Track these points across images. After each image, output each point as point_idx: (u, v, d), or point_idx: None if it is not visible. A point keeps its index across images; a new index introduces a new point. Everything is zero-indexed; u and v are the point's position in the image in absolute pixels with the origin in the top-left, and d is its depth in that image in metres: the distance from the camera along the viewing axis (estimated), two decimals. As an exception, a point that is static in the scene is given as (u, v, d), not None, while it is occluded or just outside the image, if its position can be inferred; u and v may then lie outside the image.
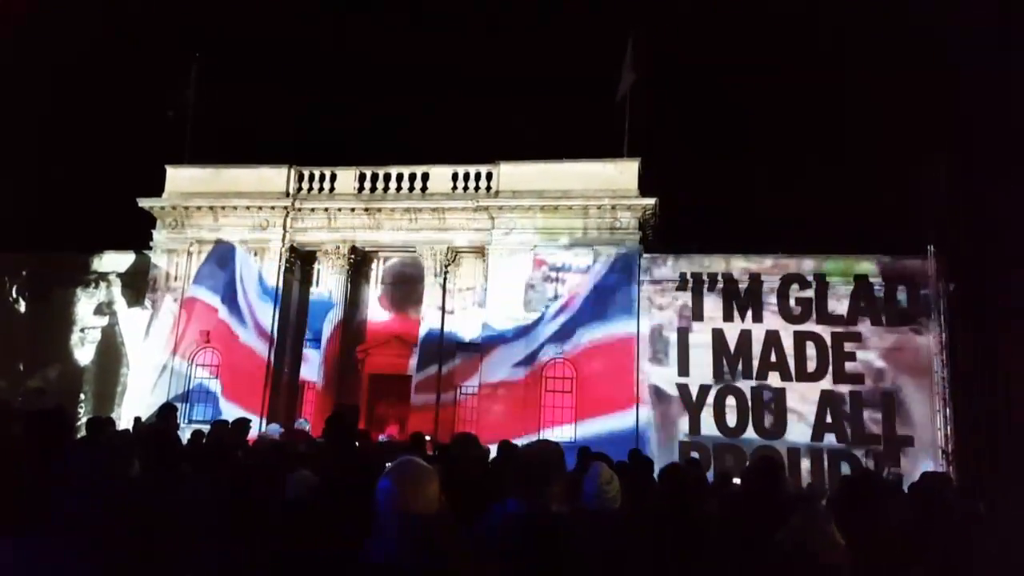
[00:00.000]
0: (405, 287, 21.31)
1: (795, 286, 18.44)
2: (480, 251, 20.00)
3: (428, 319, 19.96)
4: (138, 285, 21.85)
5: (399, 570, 2.19)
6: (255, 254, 20.74)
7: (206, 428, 10.03)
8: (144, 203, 21.33)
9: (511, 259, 19.40)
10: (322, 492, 3.98)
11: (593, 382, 18.40)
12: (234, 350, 19.88)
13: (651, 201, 19.00)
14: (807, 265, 18.58)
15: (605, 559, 3.24)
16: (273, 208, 20.75)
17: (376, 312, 21.52)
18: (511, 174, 19.83)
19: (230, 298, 19.99)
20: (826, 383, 17.74)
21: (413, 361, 20.11)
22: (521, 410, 18.40)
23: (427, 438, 10.12)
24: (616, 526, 3.49)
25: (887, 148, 27.56)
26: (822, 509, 3.62)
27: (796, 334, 18.11)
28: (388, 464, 2.52)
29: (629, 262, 18.88)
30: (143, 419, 14.26)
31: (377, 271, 21.80)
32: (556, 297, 19.10)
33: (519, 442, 14.69)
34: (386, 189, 20.52)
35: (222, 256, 20.47)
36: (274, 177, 21.05)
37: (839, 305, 18.12)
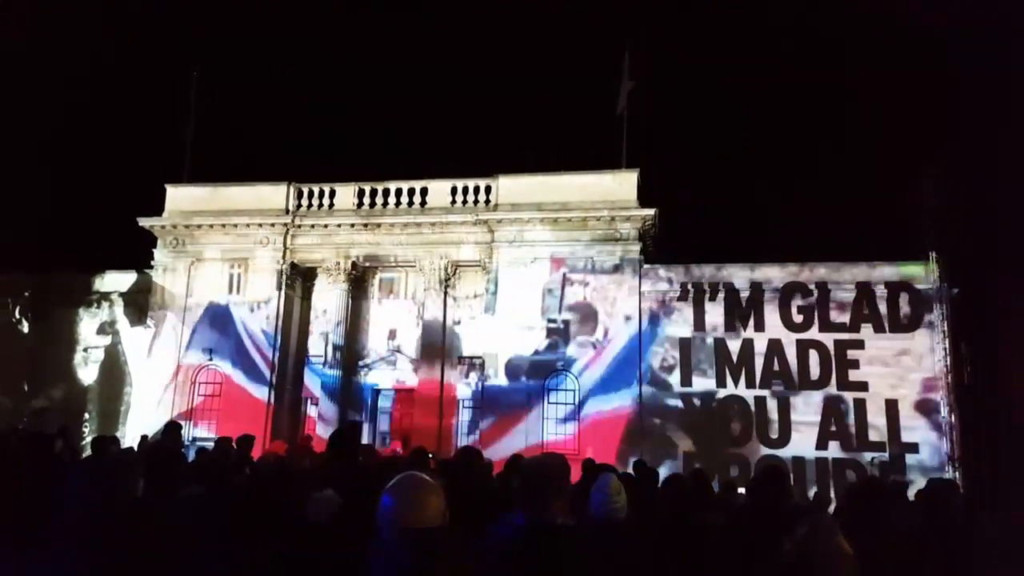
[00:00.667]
0: (408, 299, 21.28)
1: (797, 294, 18.45)
2: (481, 265, 20.00)
3: (430, 333, 19.93)
4: (140, 304, 21.88)
5: None
6: (244, 271, 20.81)
7: (210, 445, 10.02)
8: (144, 222, 21.40)
9: (511, 272, 19.40)
10: (346, 514, 3.90)
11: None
12: (245, 372, 20.05)
13: (650, 211, 19.04)
14: (808, 273, 18.59)
15: (611, 570, 3.23)
16: (273, 225, 20.79)
17: (378, 326, 21.49)
18: (510, 187, 19.88)
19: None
20: (830, 391, 17.72)
21: (416, 376, 20.12)
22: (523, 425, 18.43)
23: (430, 455, 10.08)
24: (623, 537, 3.48)
25: (886, 152, 27.65)
26: (828, 518, 3.59)
27: (799, 342, 18.10)
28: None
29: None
30: (148, 437, 14.26)
31: (378, 286, 21.78)
32: (560, 312, 19.08)
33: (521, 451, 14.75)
34: (385, 204, 20.56)
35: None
36: (273, 194, 21.11)
37: (841, 312, 18.11)
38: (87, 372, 22.24)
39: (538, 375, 18.85)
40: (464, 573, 2.37)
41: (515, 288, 19.26)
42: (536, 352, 18.98)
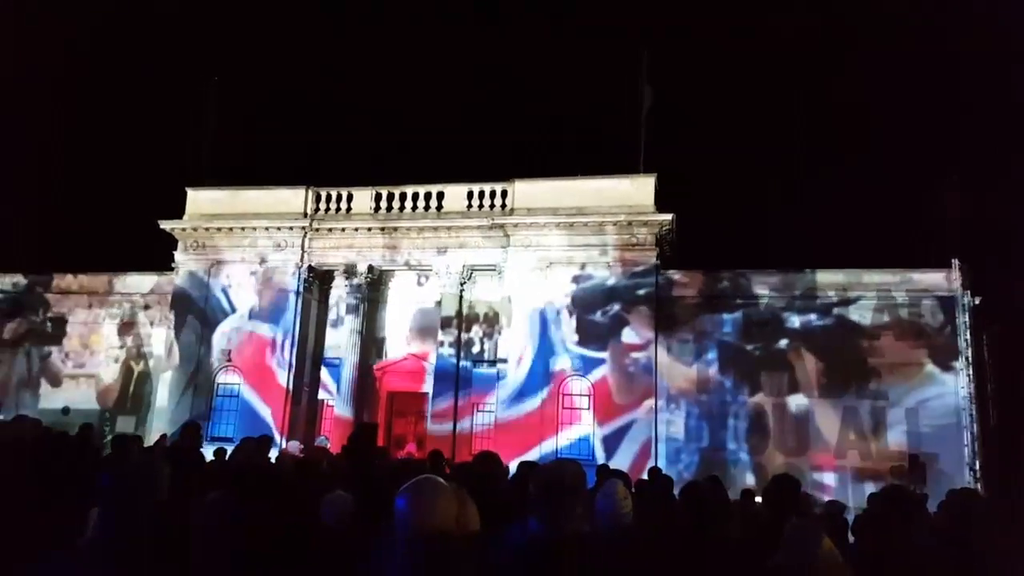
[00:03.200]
0: (422, 306, 21.35)
1: (816, 301, 18.32)
2: (496, 269, 20.01)
3: (445, 337, 19.99)
4: (160, 305, 22.15)
5: None
6: (263, 273, 21.02)
7: (228, 446, 10.12)
8: (165, 225, 21.68)
9: (527, 276, 19.38)
10: (359, 515, 3.91)
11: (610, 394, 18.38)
12: (262, 373, 20.27)
13: (668, 217, 18.96)
14: (828, 279, 18.45)
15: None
16: (291, 229, 20.97)
17: (393, 330, 21.59)
18: (526, 191, 19.90)
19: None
20: (849, 400, 17.56)
21: (430, 379, 20.21)
22: (539, 424, 18.41)
23: (446, 457, 10.11)
24: (631, 544, 3.47)
25: (907, 160, 27.38)
26: (812, 524, 3.55)
27: (818, 351, 17.97)
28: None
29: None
30: (167, 437, 14.42)
31: (394, 289, 21.87)
32: (572, 316, 19.05)
33: (536, 454, 14.72)
34: (402, 208, 20.66)
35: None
36: (291, 198, 21.30)
37: (862, 320, 17.95)
38: (108, 372, 22.54)
39: (554, 379, 18.83)
40: None
41: (530, 293, 19.26)
42: (552, 355, 18.95)
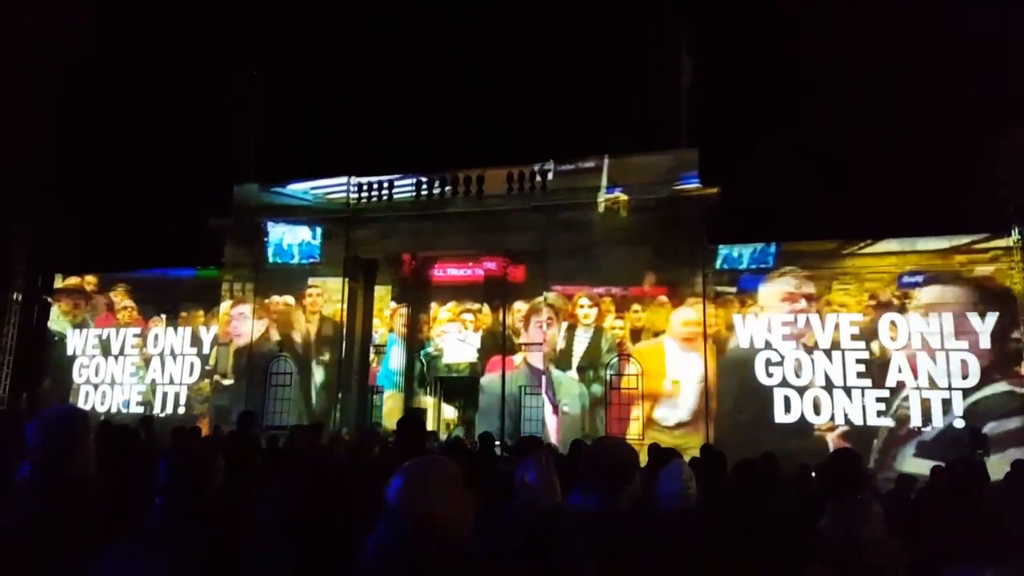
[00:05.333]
0: (468, 288, 21.44)
1: (868, 270, 17.86)
2: (539, 253, 19.83)
3: (491, 320, 20.07)
4: (212, 299, 22.73)
5: (378, 571, 2.08)
6: (310, 265, 21.38)
7: (281, 434, 10.34)
8: (214, 222, 22.19)
9: (570, 262, 19.20)
10: None
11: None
12: (309, 391, 20.77)
13: (713, 191, 18.56)
14: (882, 248, 17.97)
15: (684, 557, 3.17)
16: (335, 220, 21.24)
17: (440, 315, 21.74)
18: (567, 172, 19.72)
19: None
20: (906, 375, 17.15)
21: (479, 362, 20.32)
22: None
23: (496, 442, 10.15)
24: (696, 523, 3.41)
25: (963, 125, 26.26)
26: (858, 500, 3.44)
27: (870, 319, 17.54)
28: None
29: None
30: (220, 427, 14.81)
31: (438, 274, 21.99)
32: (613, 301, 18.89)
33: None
34: (443, 195, 20.69)
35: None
36: (335, 189, 21.57)
37: (920, 290, 17.44)
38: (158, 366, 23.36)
39: (599, 367, 18.75)
40: (469, 572, 2.18)
41: (572, 275, 19.15)
42: (599, 337, 18.85)
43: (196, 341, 23.19)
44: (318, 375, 20.87)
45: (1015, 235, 16.99)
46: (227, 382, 21.44)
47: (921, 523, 4.86)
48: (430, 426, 18.23)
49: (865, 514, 3.22)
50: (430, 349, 21.39)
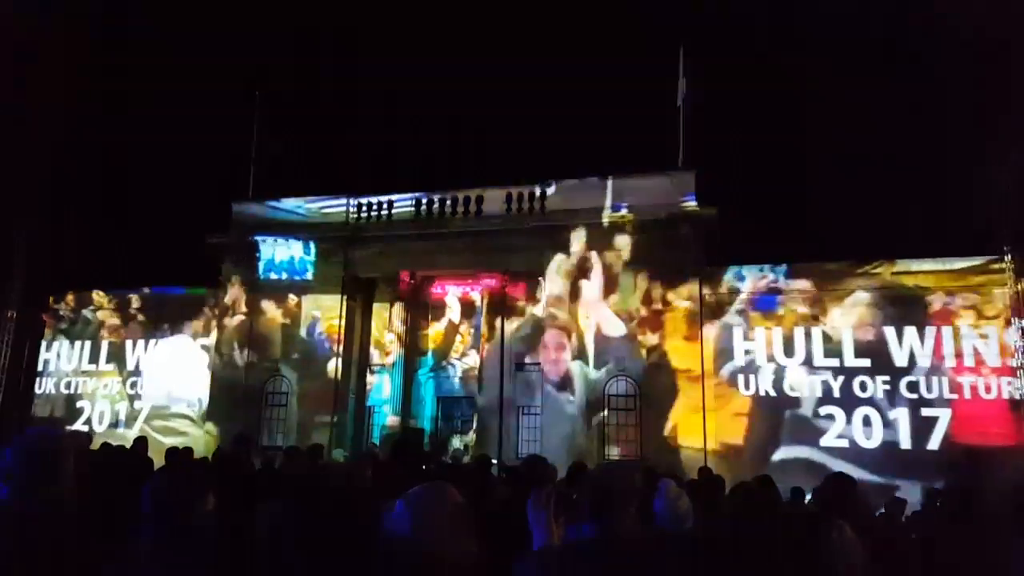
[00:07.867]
0: (466, 307, 21.42)
1: (862, 294, 17.91)
2: (536, 273, 19.85)
3: (488, 340, 20.01)
4: (208, 318, 22.65)
5: None
6: (308, 284, 21.34)
7: (276, 454, 10.24)
8: (212, 239, 22.18)
9: (567, 282, 19.22)
10: None
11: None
12: (307, 411, 20.63)
13: (711, 211, 18.64)
14: (877, 268, 18.03)
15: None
16: (334, 239, 21.24)
17: (438, 334, 21.68)
18: (565, 192, 19.80)
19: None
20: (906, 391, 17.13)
21: (477, 381, 20.26)
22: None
23: (493, 461, 10.09)
24: (690, 548, 3.38)
25: (956, 146, 26.43)
26: (832, 520, 3.42)
27: (864, 343, 17.55)
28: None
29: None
30: (218, 447, 14.67)
31: (436, 294, 21.97)
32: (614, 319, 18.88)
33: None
34: (442, 214, 20.74)
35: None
36: (333, 208, 21.61)
37: (913, 311, 17.47)
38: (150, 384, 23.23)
39: (597, 387, 18.68)
40: None
41: (570, 295, 19.15)
42: (596, 358, 18.81)
43: (190, 358, 23.05)
44: (313, 394, 20.73)
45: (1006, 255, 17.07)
46: (222, 401, 21.29)
47: (907, 548, 4.82)
48: (427, 446, 18.11)
49: (831, 530, 3.18)
50: (428, 368, 21.31)
